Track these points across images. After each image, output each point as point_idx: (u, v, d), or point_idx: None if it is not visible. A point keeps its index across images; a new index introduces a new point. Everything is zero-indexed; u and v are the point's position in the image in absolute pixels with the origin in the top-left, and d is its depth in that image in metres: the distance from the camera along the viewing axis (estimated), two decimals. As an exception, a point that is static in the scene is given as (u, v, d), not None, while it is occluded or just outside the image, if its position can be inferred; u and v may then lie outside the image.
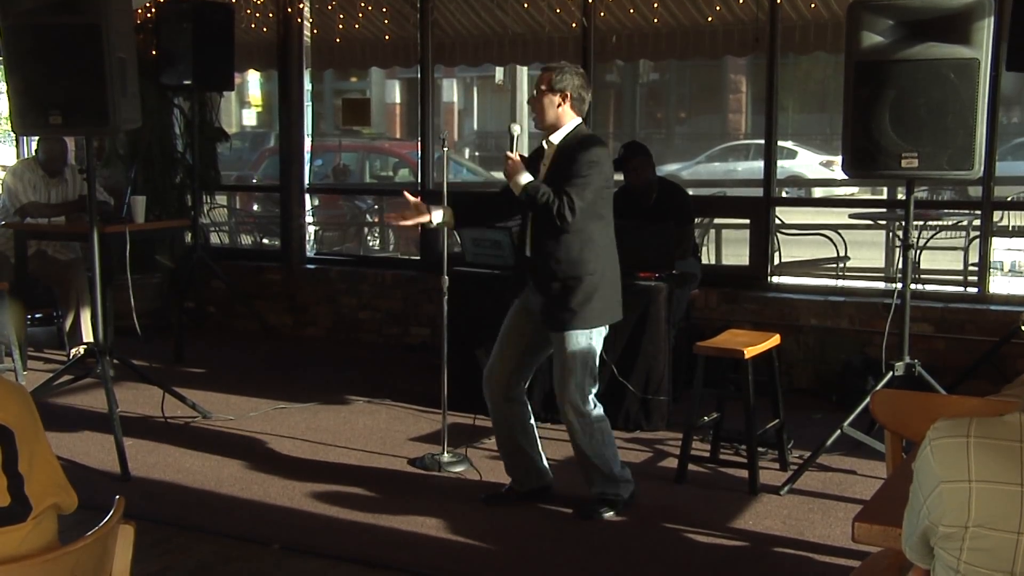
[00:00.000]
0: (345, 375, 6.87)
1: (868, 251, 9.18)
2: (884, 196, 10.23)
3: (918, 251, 7.37)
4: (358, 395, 6.35)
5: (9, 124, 5.73)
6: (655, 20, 7.24)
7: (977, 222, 7.03)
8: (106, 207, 6.91)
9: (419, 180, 8.02)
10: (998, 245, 7.57)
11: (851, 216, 8.80)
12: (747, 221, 7.09)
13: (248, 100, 20.11)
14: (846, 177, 4.90)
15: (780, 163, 8.63)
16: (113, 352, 5.45)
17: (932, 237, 8.24)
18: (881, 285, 7.58)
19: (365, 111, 11.80)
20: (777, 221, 7.64)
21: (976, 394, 3.92)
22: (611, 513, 4.42)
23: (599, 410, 4.38)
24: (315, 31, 8.38)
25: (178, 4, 7.53)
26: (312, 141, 9.01)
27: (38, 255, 7.17)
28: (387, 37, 8.17)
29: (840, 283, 7.50)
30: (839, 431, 4.79)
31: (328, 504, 4.59)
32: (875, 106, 4.52)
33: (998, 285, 6.77)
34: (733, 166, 16.90)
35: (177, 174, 8.40)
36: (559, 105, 4.30)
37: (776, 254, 7.45)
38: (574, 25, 7.39)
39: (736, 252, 8.13)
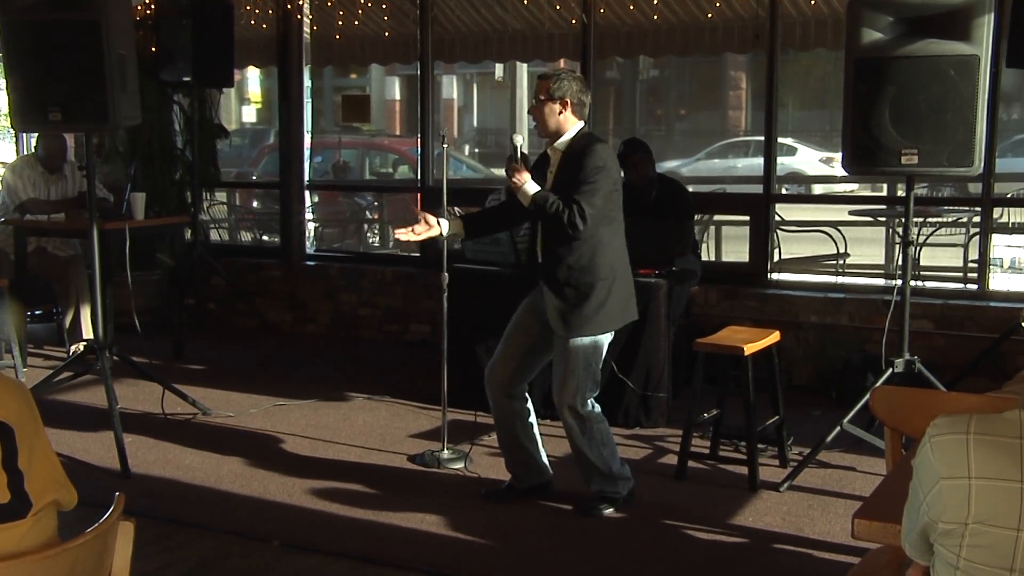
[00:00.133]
0: (345, 372, 6.86)
1: (868, 248, 9.17)
2: (884, 193, 10.25)
3: (918, 248, 7.36)
4: (358, 392, 6.35)
5: (9, 121, 5.72)
6: (655, 16, 7.23)
7: (977, 219, 7.03)
8: (106, 204, 6.90)
9: (419, 177, 8.02)
10: (998, 242, 7.55)
11: (851, 213, 8.81)
12: (747, 218, 7.08)
13: (248, 97, 20.13)
14: (846, 174, 4.90)
15: (780, 160, 8.61)
16: (113, 349, 5.45)
17: (932, 234, 8.24)
18: (881, 282, 7.58)
19: (365, 108, 11.78)
20: (777, 218, 7.63)
21: (976, 391, 3.92)
22: (611, 510, 4.42)
23: (596, 409, 4.37)
24: (315, 27, 8.37)
25: (178, 0, 7.51)
26: (312, 138, 8.99)
27: (38, 252, 7.16)
28: (387, 33, 8.16)
29: (840, 280, 7.50)
30: (839, 428, 4.79)
31: (328, 500, 4.59)
32: (875, 103, 4.52)
33: (998, 282, 6.76)
34: (733, 163, 16.91)
35: (177, 171, 8.39)
36: (560, 112, 4.27)
37: (776, 251, 7.44)
38: (574, 22, 7.38)
39: (736, 249, 8.14)
